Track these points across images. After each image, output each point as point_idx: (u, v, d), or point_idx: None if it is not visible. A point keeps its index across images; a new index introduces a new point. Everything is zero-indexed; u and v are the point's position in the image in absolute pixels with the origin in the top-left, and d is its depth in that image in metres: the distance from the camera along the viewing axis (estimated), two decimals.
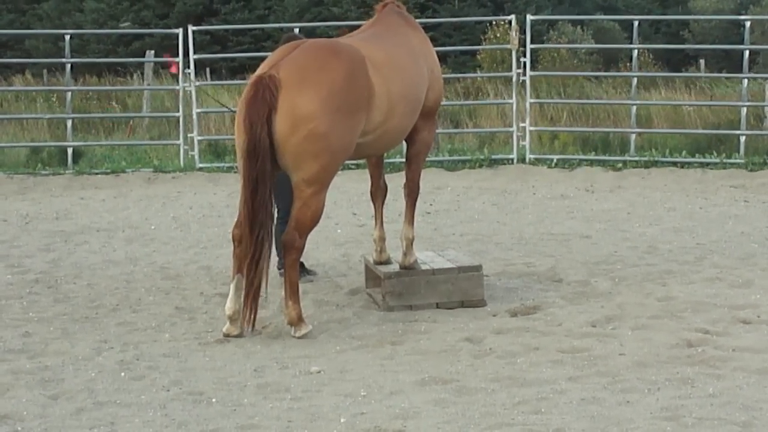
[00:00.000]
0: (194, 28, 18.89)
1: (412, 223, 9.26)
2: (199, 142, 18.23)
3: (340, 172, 8.85)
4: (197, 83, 18.42)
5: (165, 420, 6.43)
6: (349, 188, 14.86)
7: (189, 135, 18.49)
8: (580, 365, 7.32)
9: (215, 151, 19.11)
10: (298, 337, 8.12)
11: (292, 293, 8.16)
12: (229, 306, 8.18)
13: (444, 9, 39.62)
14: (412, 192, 9.30)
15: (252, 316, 8.06)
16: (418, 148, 9.17)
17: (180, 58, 18.56)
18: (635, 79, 19.23)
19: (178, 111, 18.92)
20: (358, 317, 8.84)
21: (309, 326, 8.25)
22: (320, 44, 8.40)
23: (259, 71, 8.10)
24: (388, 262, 9.29)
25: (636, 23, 18.86)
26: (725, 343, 7.74)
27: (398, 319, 8.70)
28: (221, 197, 14.63)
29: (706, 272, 10.18)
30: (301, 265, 9.95)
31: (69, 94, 19.65)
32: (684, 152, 17.90)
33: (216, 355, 7.79)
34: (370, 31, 9.00)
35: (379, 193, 9.39)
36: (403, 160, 9.50)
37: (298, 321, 8.19)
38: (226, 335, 8.19)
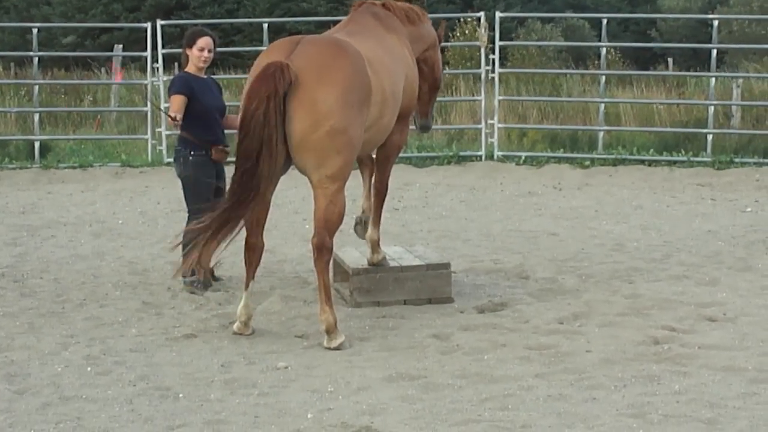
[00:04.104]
0: (163, 22, 18.78)
1: (378, 225, 9.14)
2: (167, 136, 18.13)
3: None
4: (165, 78, 18.30)
5: (131, 415, 6.41)
6: None
7: (157, 130, 18.40)
8: (547, 362, 7.35)
9: None
10: (332, 348, 7.72)
11: (327, 298, 7.80)
12: (242, 312, 8.12)
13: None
14: (379, 192, 9.16)
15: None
16: (389, 151, 9.03)
17: (148, 52, 18.48)
18: (603, 77, 19.28)
19: (146, 106, 18.84)
20: None
21: (343, 336, 7.86)
22: (326, 40, 8.26)
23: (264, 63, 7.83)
24: (367, 222, 9.16)
25: (605, 21, 18.85)
26: (691, 341, 7.80)
27: (366, 315, 8.70)
28: None
29: (673, 270, 10.25)
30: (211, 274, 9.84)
31: (36, 87, 19.54)
32: (651, 150, 17.95)
33: (183, 351, 7.76)
34: (347, 29, 8.77)
35: (367, 165, 9.22)
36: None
37: (334, 328, 7.81)
38: (238, 334, 8.11)
